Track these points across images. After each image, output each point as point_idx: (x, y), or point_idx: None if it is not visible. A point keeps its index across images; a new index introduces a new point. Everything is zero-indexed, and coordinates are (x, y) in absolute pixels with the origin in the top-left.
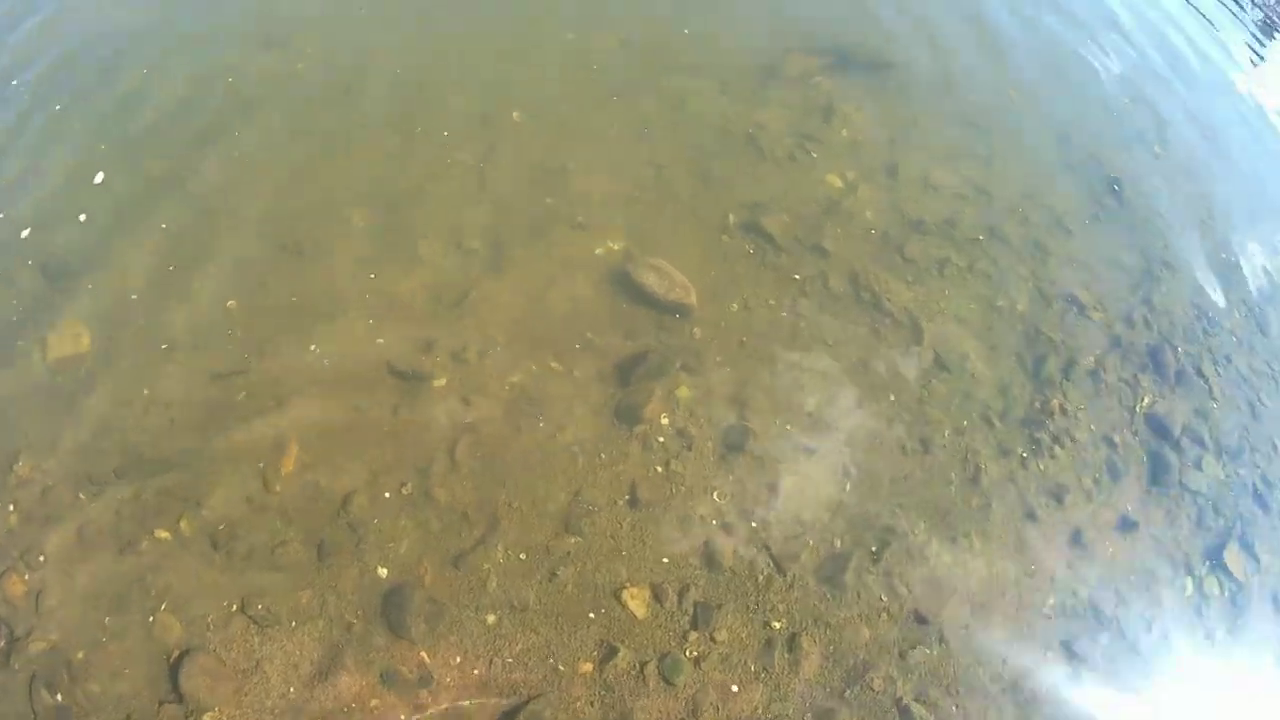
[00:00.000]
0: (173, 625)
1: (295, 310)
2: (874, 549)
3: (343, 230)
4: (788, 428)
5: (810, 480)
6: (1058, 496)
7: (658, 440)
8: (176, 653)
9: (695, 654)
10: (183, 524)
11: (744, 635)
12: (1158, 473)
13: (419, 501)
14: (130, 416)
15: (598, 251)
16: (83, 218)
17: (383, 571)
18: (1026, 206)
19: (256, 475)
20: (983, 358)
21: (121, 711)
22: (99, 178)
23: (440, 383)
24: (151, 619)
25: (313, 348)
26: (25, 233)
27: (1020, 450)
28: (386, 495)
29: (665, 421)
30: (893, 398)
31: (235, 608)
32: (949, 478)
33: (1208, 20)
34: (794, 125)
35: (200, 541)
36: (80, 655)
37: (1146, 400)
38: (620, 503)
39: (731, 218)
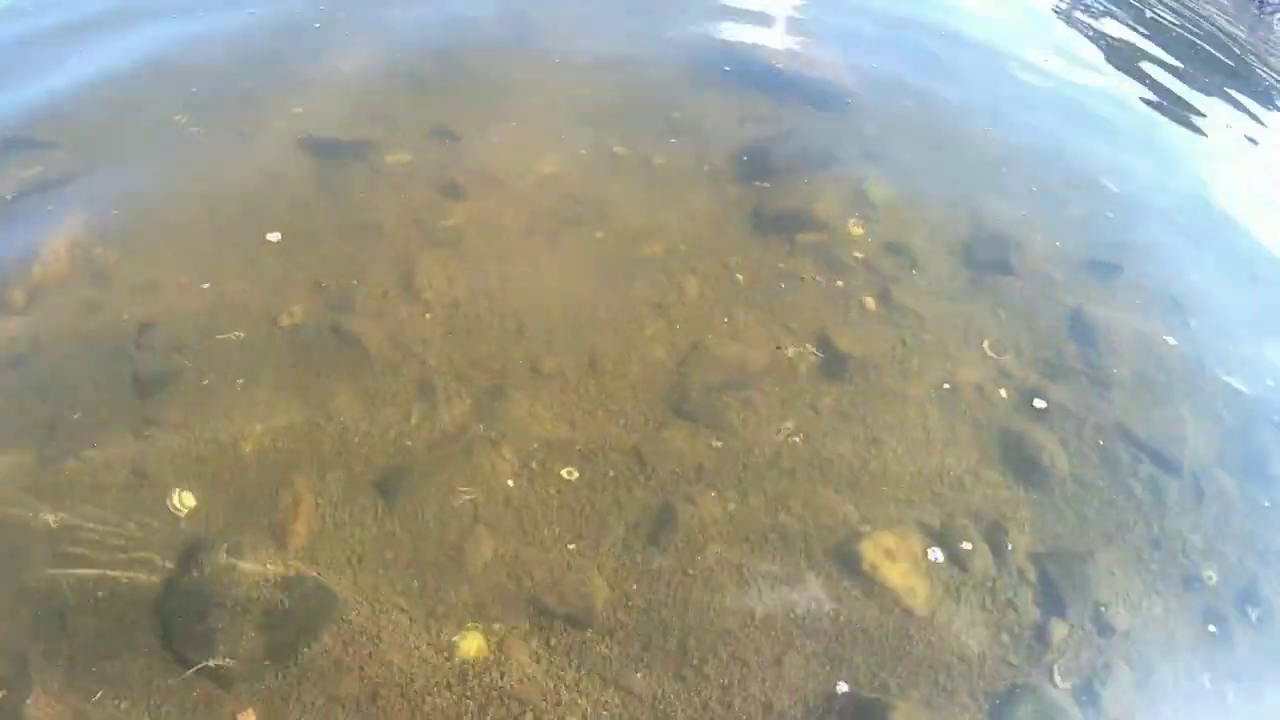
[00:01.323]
0: None
1: (160, 76)
2: None
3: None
4: (1057, 244)
5: (1130, 314)
6: None
7: (852, 257)
8: None
9: (1071, 679)
10: None
11: (1160, 613)
12: None
13: (321, 343)
14: None
15: (669, 35)
16: None
17: (183, 503)
18: None
19: None
20: None
21: None
22: None
23: (398, 158)
24: None
25: (178, 118)
26: None
27: None
28: (244, 328)
29: (859, 231)
30: (1181, 220)
31: None
32: None
33: None
34: None
35: None
36: None
37: None
38: (804, 366)
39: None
